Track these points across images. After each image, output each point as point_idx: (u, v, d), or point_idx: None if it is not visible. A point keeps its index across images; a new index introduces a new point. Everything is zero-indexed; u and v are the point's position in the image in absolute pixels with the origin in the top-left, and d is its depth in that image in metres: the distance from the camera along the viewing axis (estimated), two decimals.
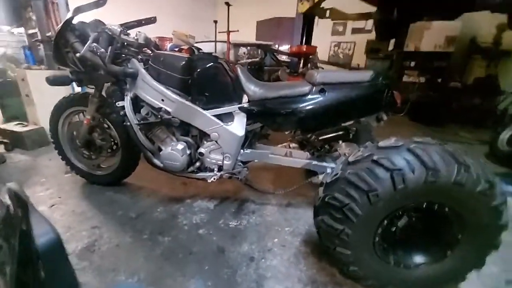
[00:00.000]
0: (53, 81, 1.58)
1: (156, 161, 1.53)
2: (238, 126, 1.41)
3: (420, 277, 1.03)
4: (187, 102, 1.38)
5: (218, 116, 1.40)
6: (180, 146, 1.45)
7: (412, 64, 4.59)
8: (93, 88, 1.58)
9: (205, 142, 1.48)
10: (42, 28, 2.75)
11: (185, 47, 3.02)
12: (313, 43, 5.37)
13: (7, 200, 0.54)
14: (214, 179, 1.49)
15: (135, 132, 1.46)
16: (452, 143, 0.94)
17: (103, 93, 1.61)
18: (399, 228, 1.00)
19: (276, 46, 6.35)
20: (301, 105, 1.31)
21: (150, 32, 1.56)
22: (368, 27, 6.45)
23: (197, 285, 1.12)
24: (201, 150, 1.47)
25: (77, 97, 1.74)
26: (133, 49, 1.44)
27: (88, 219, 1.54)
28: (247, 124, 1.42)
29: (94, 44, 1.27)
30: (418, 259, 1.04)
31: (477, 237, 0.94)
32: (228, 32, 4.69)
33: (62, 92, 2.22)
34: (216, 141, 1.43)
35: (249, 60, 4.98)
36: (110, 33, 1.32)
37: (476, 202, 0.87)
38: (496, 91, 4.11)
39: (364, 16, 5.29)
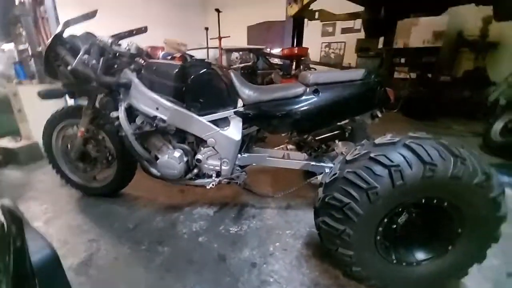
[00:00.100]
0: (45, 95, 1.57)
1: (153, 170, 1.52)
2: (234, 131, 1.40)
3: (422, 274, 1.03)
4: (182, 109, 1.37)
5: (214, 122, 1.40)
6: (177, 153, 1.44)
7: (402, 60, 4.68)
8: (86, 100, 1.57)
9: (202, 149, 1.48)
10: (32, 43, 2.73)
11: (178, 55, 3.03)
12: (304, 45, 5.45)
13: (0, 217, 0.52)
14: (212, 185, 1.48)
15: (130, 142, 1.45)
16: (447, 137, 0.95)
17: (97, 104, 1.60)
18: (399, 226, 1.00)
19: (268, 49, 6.42)
20: (296, 107, 1.31)
21: (142, 41, 1.56)
22: (357, 26, 6.57)
23: None
24: (198, 156, 1.46)
25: (70, 110, 1.72)
26: (125, 59, 1.44)
27: (85, 232, 1.51)
28: (243, 128, 1.42)
29: (86, 56, 1.26)
30: (420, 255, 1.04)
31: (477, 230, 0.94)
32: (220, 38, 4.72)
33: (55, 105, 2.19)
34: (213, 147, 1.43)
35: (242, 65, 5.02)
36: (101, 44, 1.32)
37: (473, 195, 0.88)
38: (485, 83, 4.19)
39: (352, 16, 5.38)
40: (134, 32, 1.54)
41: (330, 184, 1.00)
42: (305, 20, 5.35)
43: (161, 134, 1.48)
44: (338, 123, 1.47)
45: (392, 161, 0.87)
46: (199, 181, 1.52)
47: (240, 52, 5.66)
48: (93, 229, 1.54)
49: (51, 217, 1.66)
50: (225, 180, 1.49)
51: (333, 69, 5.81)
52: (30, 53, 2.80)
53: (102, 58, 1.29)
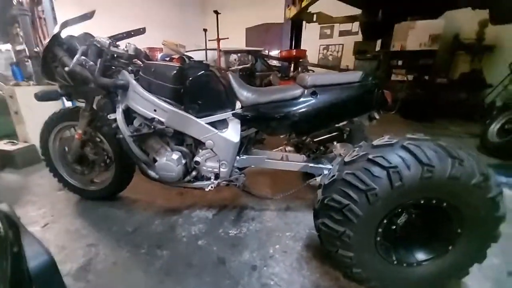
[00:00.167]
0: (42, 97, 1.55)
1: (151, 173, 1.51)
2: (232, 133, 1.40)
3: (423, 275, 1.03)
4: (180, 111, 1.37)
5: (212, 124, 1.40)
6: (175, 156, 1.43)
7: (399, 63, 4.72)
8: (83, 102, 1.56)
9: (200, 151, 1.47)
10: (29, 44, 2.72)
11: (176, 56, 3.03)
12: (302, 47, 5.47)
13: None
14: (211, 187, 1.48)
15: (128, 144, 1.44)
16: (444, 138, 0.95)
17: (94, 106, 1.59)
18: (399, 226, 1.00)
19: (266, 51, 6.44)
20: (294, 109, 1.31)
21: (140, 43, 1.56)
22: (354, 29, 6.62)
23: None
24: (197, 158, 1.46)
25: (67, 112, 1.71)
26: (123, 60, 1.43)
27: (83, 237, 1.49)
28: (241, 130, 1.42)
29: (83, 57, 1.25)
30: (420, 256, 1.04)
31: (476, 230, 0.95)
32: (218, 39, 4.73)
33: (52, 107, 2.18)
34: (211, 149, 1.42)
35: (240, 67, 5.03)
36: (99, 45, 1.31)
37: (472, 195, 0.88)
38: (481, 85, 4.24)
39: (350, 19, 5.42)
40: (132, 33, 1.54)
41: (329, 186, 1.00)
42: (304, 22, 5.39)
43: (159, 136, 1.48)
44: (336, 125, 1.48)
45: (390, 163, 0.87)
46: (197, 184, 1.51)
47: (239, 54, 5.68)
48: (91, 234, 1.52)
49: (49, 221, 1.64)
50: (223, 182, 1.48)
51: (331, 71, 5.85)
52: (27, 54, 2.78)
53: (100, 59, 1.29)
